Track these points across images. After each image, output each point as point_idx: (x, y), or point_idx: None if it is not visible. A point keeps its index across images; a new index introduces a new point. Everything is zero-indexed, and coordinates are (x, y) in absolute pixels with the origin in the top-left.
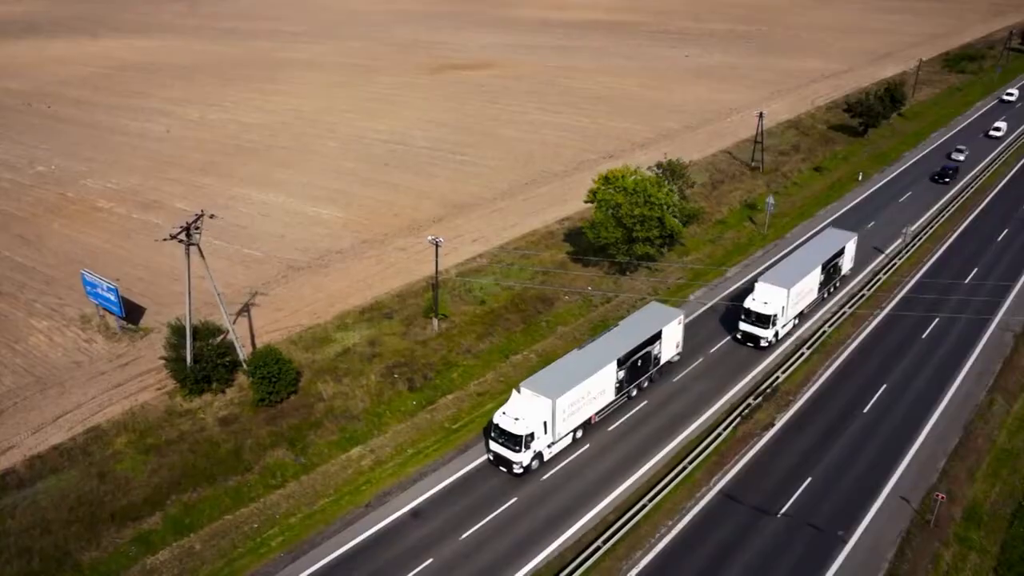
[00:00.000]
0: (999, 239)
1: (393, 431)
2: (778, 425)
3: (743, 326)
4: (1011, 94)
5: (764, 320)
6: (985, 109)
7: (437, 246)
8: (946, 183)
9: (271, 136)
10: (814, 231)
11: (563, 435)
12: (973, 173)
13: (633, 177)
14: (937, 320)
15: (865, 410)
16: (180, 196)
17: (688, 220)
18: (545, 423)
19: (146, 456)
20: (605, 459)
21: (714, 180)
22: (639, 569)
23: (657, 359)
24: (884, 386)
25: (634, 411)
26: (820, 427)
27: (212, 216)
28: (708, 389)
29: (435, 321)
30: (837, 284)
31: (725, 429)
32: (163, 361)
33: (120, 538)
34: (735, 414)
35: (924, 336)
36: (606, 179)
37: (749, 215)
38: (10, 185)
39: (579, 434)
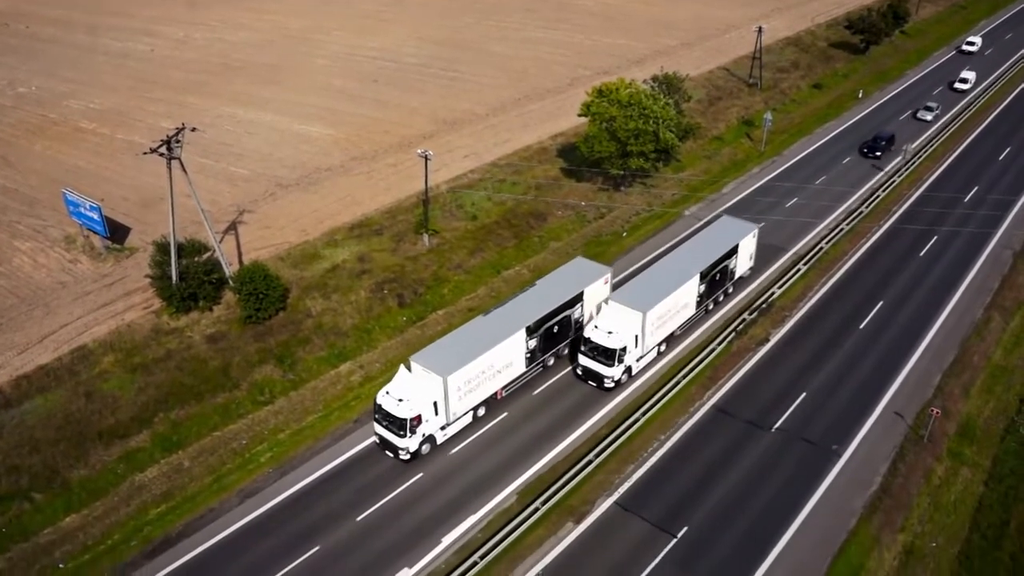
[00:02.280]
0: (1001, 158)
1: (383, 347)
2: (773, 341)
3: (582, 360)
4: (972, 43)
5: (608, 355)
6: (944, 60)
7: (427, 160)
8: (877, 157)
9: (258, 55)
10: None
11: (460, 415)
12: (921, 141)
13: (628, 90)
14: (936, 237)
15: (861, 326)
16: (165, 115)
17: (684, 135)
18: (436, 404)
19: (133, 375)
20: None
21: (711, 97)
22: (632, 482)
23: (579, 323)
24: (881, 302)
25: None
26: (816, 343)
27: (194, 129)
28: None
29: (425, 237)
30: (729, 290)
31: (719, 344)
32: (149, 280)
33: (108, 456)
34: (730, 329)
35: (923, 253)
36: (600, 92)
37: (746, 132)
38: None
39: (481, 412)
